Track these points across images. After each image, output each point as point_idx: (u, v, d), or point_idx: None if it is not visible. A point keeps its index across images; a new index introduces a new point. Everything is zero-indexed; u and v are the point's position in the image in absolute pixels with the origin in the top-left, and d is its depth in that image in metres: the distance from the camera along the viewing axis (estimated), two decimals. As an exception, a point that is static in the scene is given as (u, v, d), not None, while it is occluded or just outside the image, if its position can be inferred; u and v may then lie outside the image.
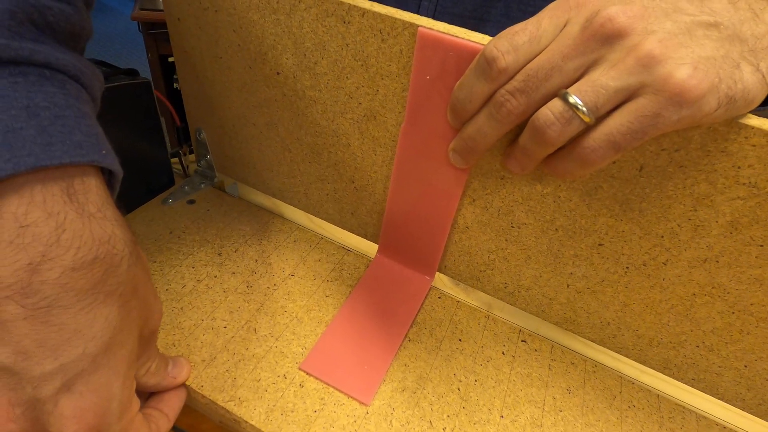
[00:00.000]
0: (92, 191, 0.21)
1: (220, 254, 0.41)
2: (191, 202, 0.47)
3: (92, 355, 0.21)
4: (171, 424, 0.29)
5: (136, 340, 0.24)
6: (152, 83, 0.40)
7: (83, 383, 0.21)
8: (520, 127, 0.26)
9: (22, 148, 0.18)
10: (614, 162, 0.28)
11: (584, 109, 0.22)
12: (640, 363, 0.38)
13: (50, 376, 0.20)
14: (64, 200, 0.20)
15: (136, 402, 0.26)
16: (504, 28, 0.24)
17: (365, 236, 0.44)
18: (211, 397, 0.31)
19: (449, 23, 0.27)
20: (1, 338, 0.19)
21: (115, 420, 0.23)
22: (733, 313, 0.31)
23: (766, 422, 0.35)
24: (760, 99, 0.22)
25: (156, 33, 1.45)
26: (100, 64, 0.38)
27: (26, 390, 0.20)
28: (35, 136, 0.19)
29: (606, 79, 0.21)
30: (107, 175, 0.23)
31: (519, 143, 0.26)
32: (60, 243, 0.19)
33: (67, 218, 0.20)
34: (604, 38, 0.21)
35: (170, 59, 0.44)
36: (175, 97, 0.46)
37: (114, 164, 0.22)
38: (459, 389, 0.34)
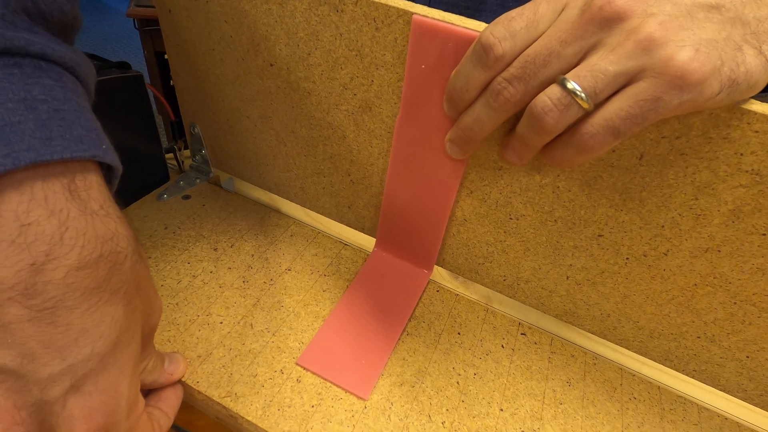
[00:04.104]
0: (94, 188, 0.21)
1: (215, 249, 0.41)
2: (186, 197, 0.46)
3: (100, 355, 0.21)
4: (171, 422, 0.29)
5: (140, 338, 0.24)
6: (149, 80, 0.40)
7: (92, 383, 0.21)
8: (517, 117, 0.26)
9: (21, 142, 0.18)
10: (614, 150, 0.27)
11: (582, 94, 0.21)
12: (641, 355, 0.37)
13: (58, 377, 0.20)
14: (66, 197, 0.19)
15: (142, 401, 0.25)
16: None
17: (362, 230, 0.44)
18: (207, 393, 0.31)
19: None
20: (5, 341, 0.18)
21: (123, 419, 0.22)
22: (735, 303, 0.30)
23: (768, 413, 0.35)
24: (763, 83, 0.21)
25: (152, 30, 1.44)
26: (91, 57, 0.38)
27: (33, 392, 0.20)
28: (34, 130, 0.18)
29: (605, 63, 0.21)
30: (105, 170, 0.22)
31: (516, 132, 0.26)
32: (63, 241, 0.19)
33: (69, 216, 0.19)
34: (603, 22, 0.21)
35: (166, 56, 0.44)
36: (172, 93, 0.45)
37: (114, 160, 0.22)
38: (458, 383, 0.34)
